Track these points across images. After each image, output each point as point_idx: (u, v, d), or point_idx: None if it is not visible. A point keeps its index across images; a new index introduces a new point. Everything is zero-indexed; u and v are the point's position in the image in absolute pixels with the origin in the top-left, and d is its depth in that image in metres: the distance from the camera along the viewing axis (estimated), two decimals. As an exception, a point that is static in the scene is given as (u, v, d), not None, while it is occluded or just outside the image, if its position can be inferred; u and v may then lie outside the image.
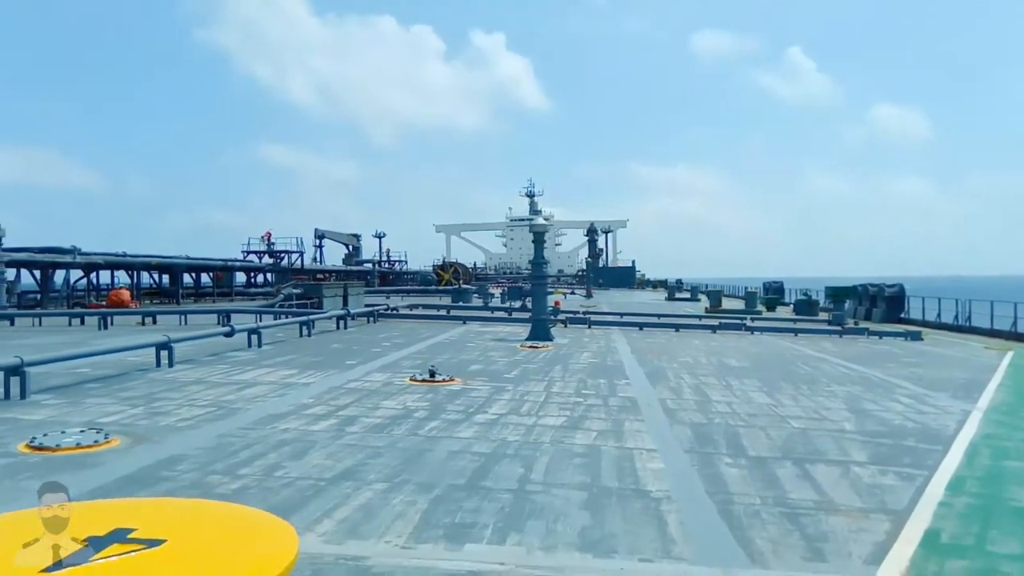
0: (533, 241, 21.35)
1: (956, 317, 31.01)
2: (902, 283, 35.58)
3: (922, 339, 24.66)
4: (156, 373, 13.06)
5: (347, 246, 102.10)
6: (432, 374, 12.59)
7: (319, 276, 71.14)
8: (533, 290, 21.94)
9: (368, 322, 25.80)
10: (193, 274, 54.07)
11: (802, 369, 16.12)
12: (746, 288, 44.42)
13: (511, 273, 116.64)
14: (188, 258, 48.88)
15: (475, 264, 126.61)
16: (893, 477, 7.26)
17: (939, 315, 32.37)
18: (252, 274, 59.32)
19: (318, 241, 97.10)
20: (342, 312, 22.93)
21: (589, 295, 60.59)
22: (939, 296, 33.53)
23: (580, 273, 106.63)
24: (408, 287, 66.15)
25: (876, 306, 36.63)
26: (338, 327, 22.77)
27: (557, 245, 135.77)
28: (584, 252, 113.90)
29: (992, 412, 11.39)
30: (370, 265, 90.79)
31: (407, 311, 30.11)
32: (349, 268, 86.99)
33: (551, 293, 40.70)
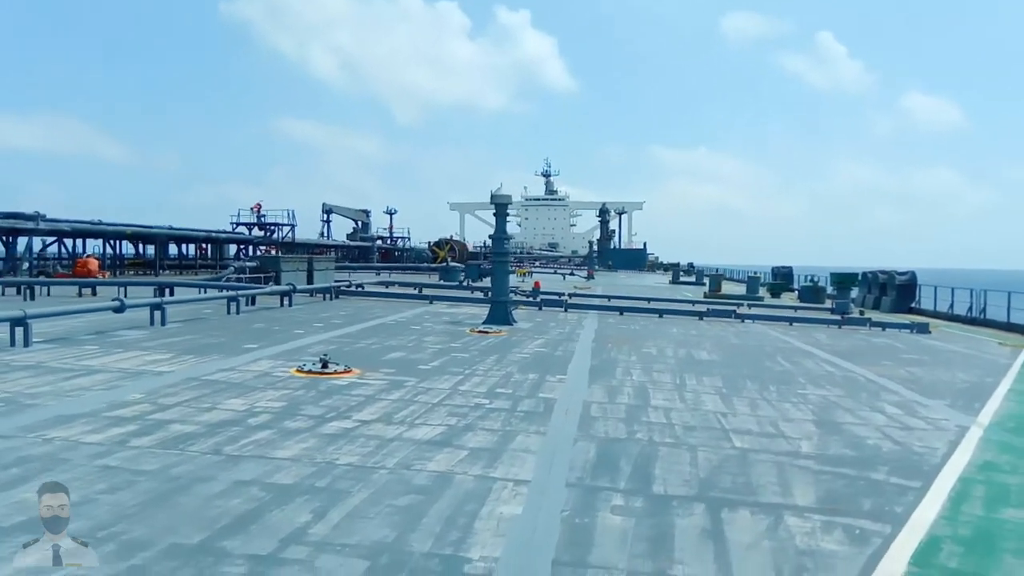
0: (495, 214, 19.20)
1: (970, 309, 28.53)
2: (914, 271, 33.04)
3: (929, 332, 22.30)
4: (2, 354, 11.13)
5: (356, 222, 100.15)
6: (324, 364, 10.57)
7: (316, 250, 69.42)
8: (493, 268, 19.81)
9: (324, 299, 23.83)
10: (182, 245, 52.54)
11: (780, 366, 13.94)
12: (749, 273, 41.96)
13: (522, 252, 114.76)
14: (171, 228, 47.18)
15: (485, 243, 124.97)
16: (840, 537, 5.15)
17: (952, 306, 29.88)
18: (244, 246, 57.57)
19: (325, 216, 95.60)
20: (285, 288, 20.91)
21: (590, 276, 58.45)
22: (953, 286, 31.04)
23: (592, 253, 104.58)
24: (403, 264, 64.04)
25: (886, 294, 34.15)
26: (282, 304, 20.78)
27: (572, 226, 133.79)
28: (599, 233, 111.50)
29: (995, 430, 9.19)
30: (371, 242, 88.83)
31: (376, 288, 28.10)
32: (348, 243, 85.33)
33: (525, 273, 38.68)
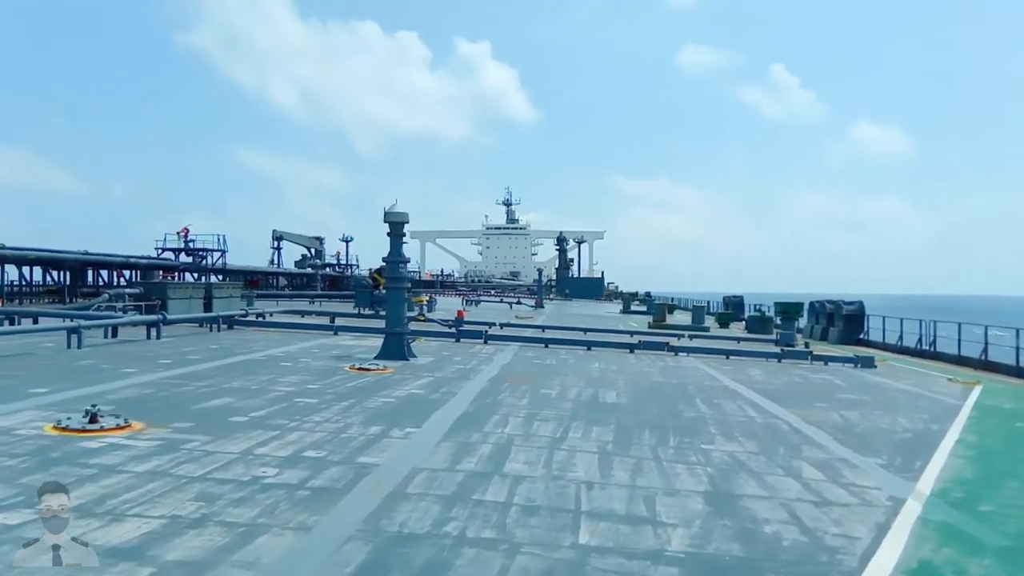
0: (389, 234, 16.98)
1: (919, 340, 26.95)
2: (861, 300, 31.51)
3: (875, 366, 20.54)
4: None
5: (309, 249, 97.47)
6: (92, 418, 8.16)
7: (255, 277, 66.50)
8: (387, 295, 17.53)
9: (211, 330, 21.26)
10: (99, 271, 49.25)
11: (694, 410, 11.86)
12: (693, 302, 40.25)
13: (481, 281, 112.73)
14: (86, 253, 43.98)
15: (442, 271, 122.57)
16: None
17: (901, 337, 28.28)
18: (176, 273, 54.30)
19: (276, 243, 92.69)
20: (152, 318, 18.31)
21: (538, 305, 56.48)
22: (903, 316, 29.50)
23: (549, 282, 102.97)
24: (328, 292, 61.20)
25: (834, 325, 32.57)
26: (148, 336, 18.19)
27: (534, 255, 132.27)
28: (558, 262, 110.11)
29: (937, 505, 7.14)
30: (317, 269, 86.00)
31: (285, 319, 25.58)
32: (291, 271, 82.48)
33: (424, 301, 36.18)
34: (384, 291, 18.21)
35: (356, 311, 29.79)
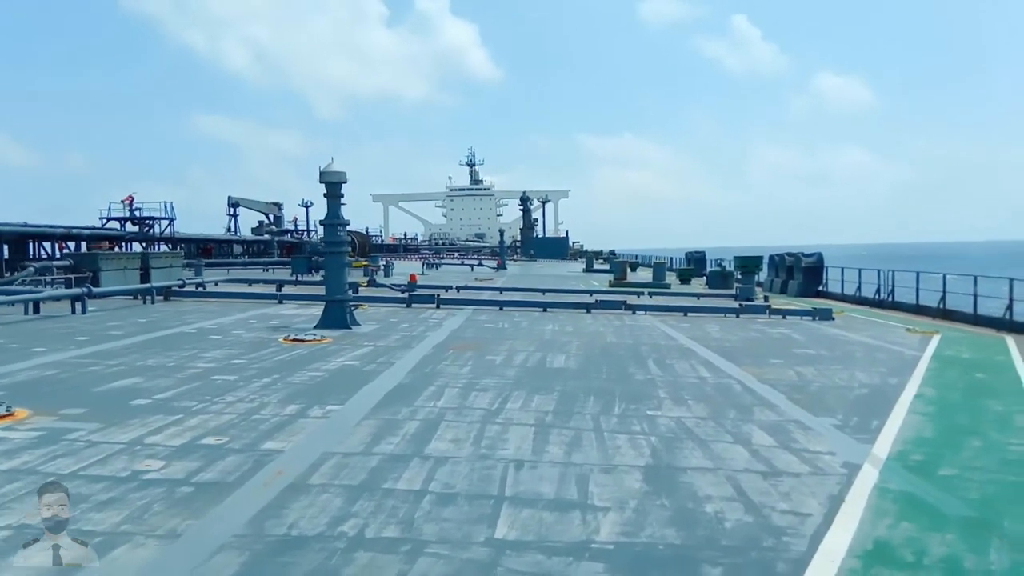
0: (325, 195, 15.99)
1: (878, 291, 26.76)
2: (820, 252, 31.26)
3: (833, 319, 20.18)
4: None
5: (267, 215, 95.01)
6: (-34, 407, 7.26)
7: (207, 245, 64.69)
8: (326, 261, 16.59)
9: (145, 303, 20.14)
10: (40, 244, 47.21)
11: (644, 373, 11.25)
12: (653, 259, 39.77)
13: (446, 243, 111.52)
14: (24, 225, 41.94)
15: (405, 235, 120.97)
16: None
17: (859, 288, 28.09)
18: (122, 244, 52.29)
19: (232, 210, 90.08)
20: (76, 292, 17.12)
21: (500, 266, 55.76)
22: (861, 267, 29.29)
23: (514, 243, 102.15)
24: (272, 259, 59.62)
25: (793, 278, 32.35)
26: (73, 311, 17.05)
27: (499, 216, 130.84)
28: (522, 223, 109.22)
29: (895, 470, 6.61)
30: (272, 236, 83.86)
31: (228, 288, 24.47)
32: (246, 239, 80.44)
33: (364, 266, 35.00)
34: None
35: (294, 279, 28.59)
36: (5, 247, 43.63)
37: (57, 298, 17.09)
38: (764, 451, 6.97)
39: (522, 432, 7.44)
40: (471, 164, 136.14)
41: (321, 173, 15.77)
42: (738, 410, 8.74)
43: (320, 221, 16.36)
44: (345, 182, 15.98)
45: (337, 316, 15.78)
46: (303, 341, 13.54)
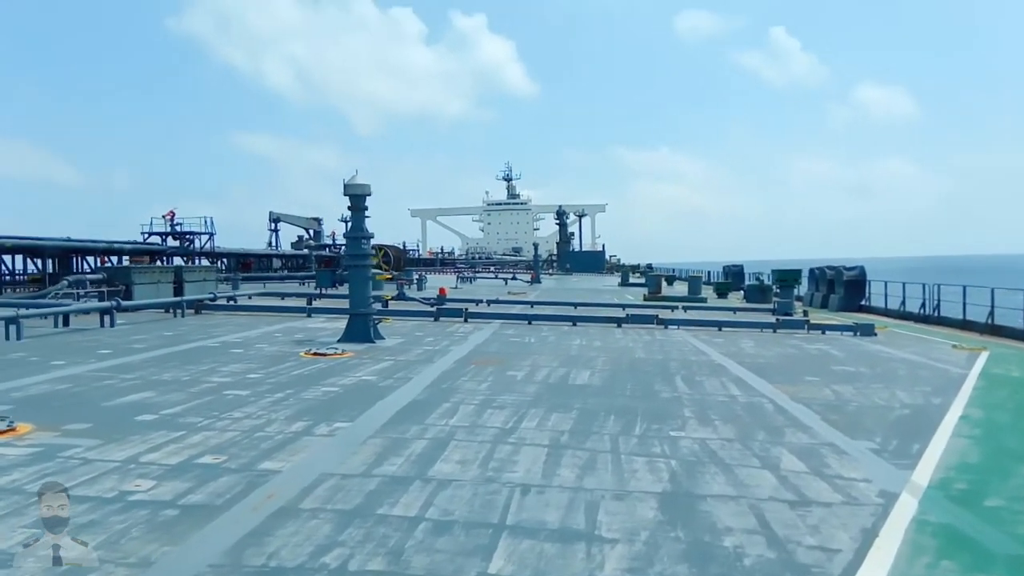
0: (349, 207, 15.87)
1: (923, 305, 25.73)
2: (862, 265, 30.27)
3: (875, 334, 19.39)
4: None
5: (307, 230, 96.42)
6: (-37, 423, 7.14)
7: (247, 260, 65.55)
8: (350, 274, 16.42)
9: (174, 316, 20.22)
10: (83, 258, 48.24)
11: (670, 390, 10.77)
12: (690, 272, 39.03)
13: (482, 257, 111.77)
14: (68, 240, 42.89)
15: (442, 249, 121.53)
16: None
17: (903, 303, 27.08)
18: (162, 258, 53.23)
19: (273, 225, 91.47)
20: (105, 305, 17.20)
21: (534, 280, 55.47)
22: (914, 280, 28.17)
23: (550, 257, 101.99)
24: (304, 273, 60.22)
25: (834, 292, 31.38)
26: (102, 324, 17.14)
27: (536, 230, 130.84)
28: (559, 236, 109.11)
29: (936, 500, 6.06)
30: (311, 251, 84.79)
31: (260, 301, 24.54)
32: (285, 253, 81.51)
33: (388, 279, 34.57)
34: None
35: (318, 292, 28.54)
36: (50, 262, 44.80)
37: (86, 311, 17.23)
38: (793, 477, 6.48)
39: (534, 453, 7.06)
40: (508, 179, 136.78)
41: (345, 186, 15.64)
42: (768, 431, 8.24)
43: (344, 234, 16.20)
44: (369, 195, 15.82)
45: (360, 330, 15.58)
46: (324, 355, 13.34)
